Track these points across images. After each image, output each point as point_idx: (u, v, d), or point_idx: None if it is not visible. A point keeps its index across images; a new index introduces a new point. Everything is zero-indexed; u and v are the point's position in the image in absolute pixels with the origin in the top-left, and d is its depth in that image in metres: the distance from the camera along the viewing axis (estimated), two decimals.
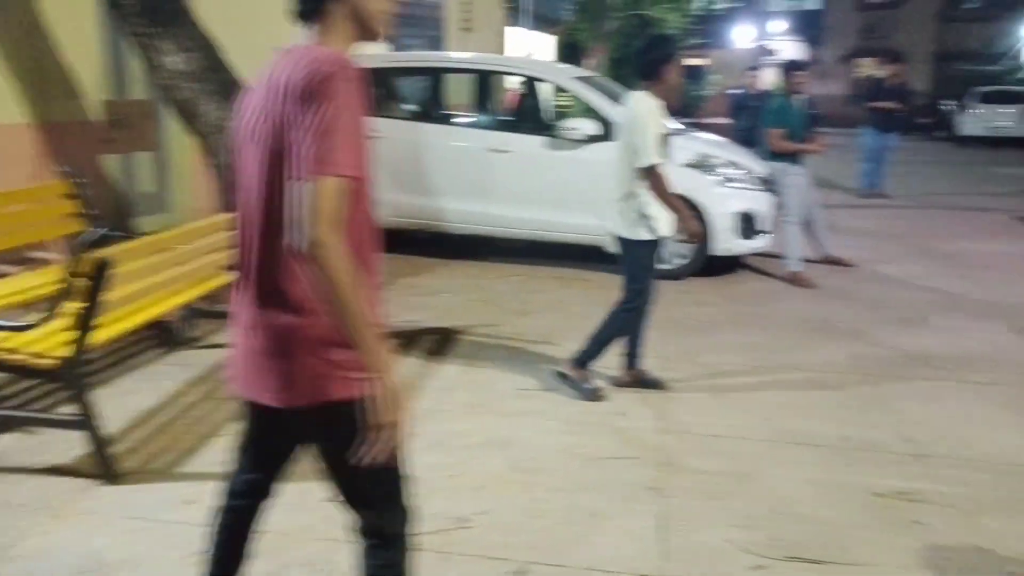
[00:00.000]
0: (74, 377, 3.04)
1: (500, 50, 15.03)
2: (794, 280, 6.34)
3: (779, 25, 28.42)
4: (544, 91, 7.98)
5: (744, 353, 4.73)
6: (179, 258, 3.65)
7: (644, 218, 3.79)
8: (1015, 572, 2.65)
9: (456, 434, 3.56)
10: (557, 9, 21.43)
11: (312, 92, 1.48)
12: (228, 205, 4.31)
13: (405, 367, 4.30)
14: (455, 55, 9.36)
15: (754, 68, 12.19)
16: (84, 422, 3.05)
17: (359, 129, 1.54)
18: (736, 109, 11.15)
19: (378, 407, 1.56)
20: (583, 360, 4.01)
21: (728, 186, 6.35)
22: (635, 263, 3.91)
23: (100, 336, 3.15)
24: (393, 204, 7.00)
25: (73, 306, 2.99)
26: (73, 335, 2.98)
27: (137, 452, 3.31)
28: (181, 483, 3.07)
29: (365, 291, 1.53)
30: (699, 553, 2.72)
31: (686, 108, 12.48)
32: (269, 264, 1.61)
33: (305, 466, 1.88)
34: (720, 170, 6.38)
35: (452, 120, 7.84)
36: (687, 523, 2.90)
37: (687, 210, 3.87)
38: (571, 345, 4.19)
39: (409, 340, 4.77)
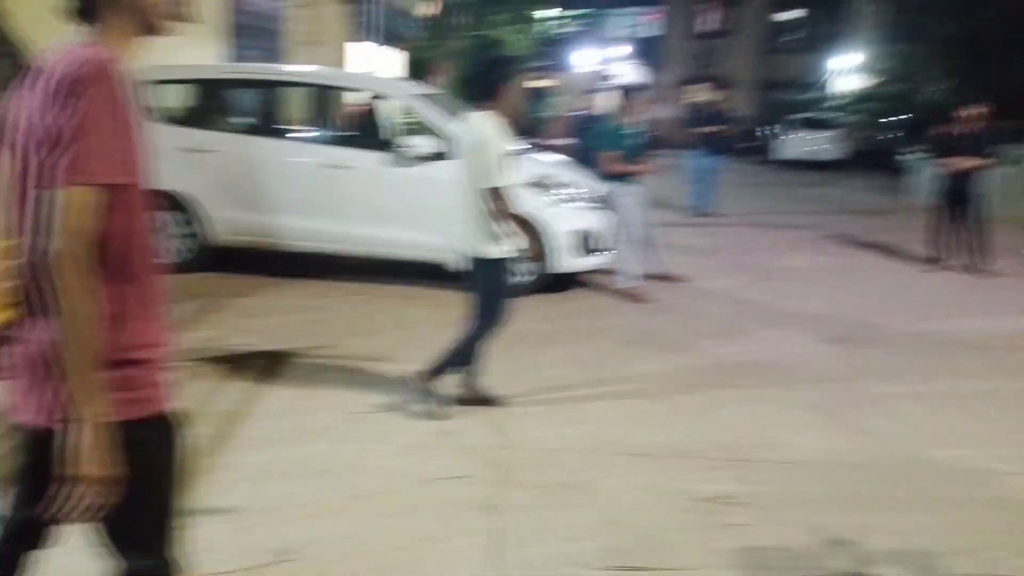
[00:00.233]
0: None
1: (342, 65, 14.83)
2: (629, 295, 6.60)
3: (622, 50, 29.72)
4: (386, 108, 7.92)
5: (580, 367, 4.86)
6: None
7: (495, 236, 3.82)
8: (817, 568, 2.84)
9: (285, 462, 3.43)
10: (407, 26, 21.43)
11: (67, 95, 1.38)
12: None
13: (229, 394, 4.10)
14: (293, 68, 9.11)
15: (593, 91, 12.65)
16: None
17: (124, 134, 1.43)
18: (578, 130, 11.51)
19: (73, 455, 1.38)
20: (432, 375, 3.99)
21: (567, 205, 6.53)
22: (488, 281, 3.93)
23: None
24: (226, 221, 6.74)
25: None
26: None
27: None
28: None
29: (104, 319, 1.40)
30: (529, 569, 2.74)
31: (531, 128, 12.76)
32: (34, 277, 1.47)
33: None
34: (560, 190, 6.55)
35: (289, 135, 7.64)
36: (521, 539, 2.92)
37: (527, 230, 3.93)
38: (413, 364, 4.15)
39: (236, 364, 4.56)
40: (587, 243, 6.53)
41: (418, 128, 6.73)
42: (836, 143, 21.93)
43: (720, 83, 12.70)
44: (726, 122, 11.58)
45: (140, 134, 1.48)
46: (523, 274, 6.32)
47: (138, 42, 1.56)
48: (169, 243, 6.51)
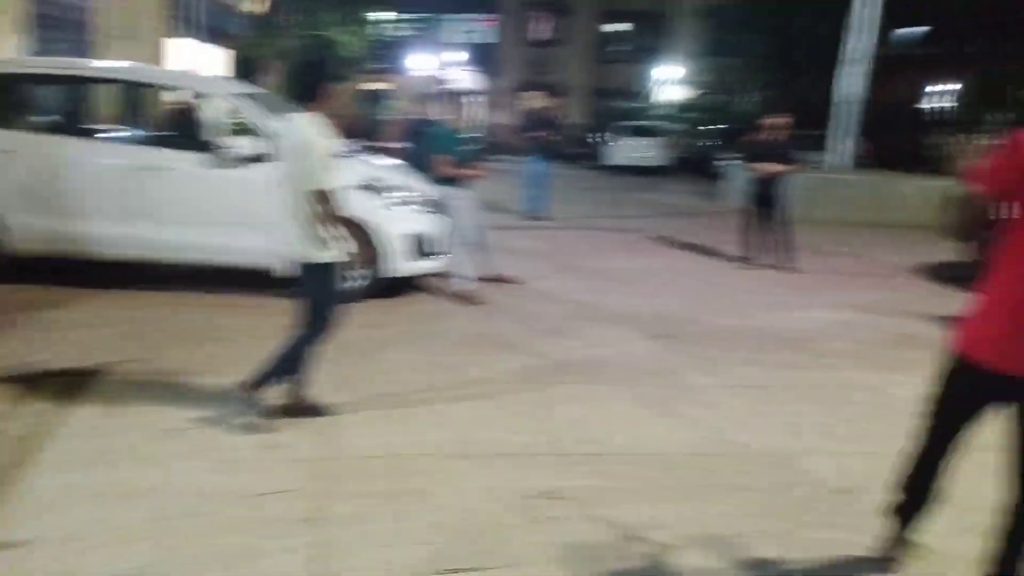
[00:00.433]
0: None
1: (160, 62, 13.99)
2: (463, 298, 6.62)
3: (457, 55, 29.92)
4: (207, 107, 7.52)
5: (414, 371, 4.81)
6: None
7: (322, 240, 3.69)
8: (622, 559, 2.94)
9: (85, 487, 3.15)
10: (233, 23, 20.55)
11: None
12: None
13: (22, 417, 3.73)
14: (103, 64, 8.46)
15: (428, 95, 12.67)
16: None
17: None
18: (412, 134, 11.47)
19: None
20: (255, 386, 3.81)
21: (400, 208, 6.45)
22: (317, 286, 3.80)
23: None
24: (25, 227, 6.16)
25: None
26: None
27: None
28: None
29: None
30: None
31: (366, 131, 12.59)
32: None
33: None
34: (392, 193, 6.47)
35: (98, 135, 7.10)
36: (346, 550, 2.84)
37: (357, 233, 3.84)
38: (234, 376, 3.94)
39: (33, 384, 4.15)
40: (421, 247, 6.49)
41: (241, 129, 6.43)
42: (661, 150, 23.08)
43: (553, 90, 13.04)
44: (558, 128, 11.92)
45: None
46: (355, 279, 6.19)
47: None
48: None
